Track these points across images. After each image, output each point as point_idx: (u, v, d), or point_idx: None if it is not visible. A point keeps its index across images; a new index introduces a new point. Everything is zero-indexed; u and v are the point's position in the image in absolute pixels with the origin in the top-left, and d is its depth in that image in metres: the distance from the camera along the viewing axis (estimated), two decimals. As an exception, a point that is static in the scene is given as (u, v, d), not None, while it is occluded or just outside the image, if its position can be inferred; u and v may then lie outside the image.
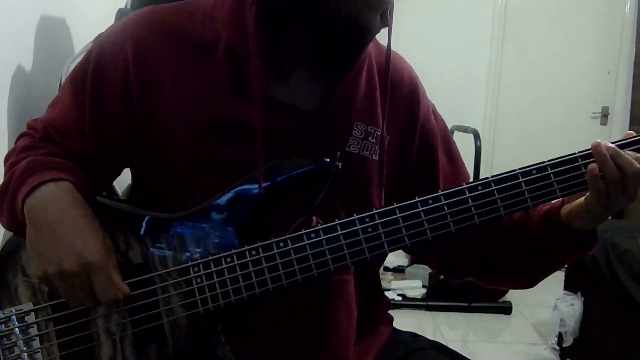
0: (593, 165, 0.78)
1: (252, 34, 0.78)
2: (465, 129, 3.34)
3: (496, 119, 4.12)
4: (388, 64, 0.87)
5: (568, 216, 0.85)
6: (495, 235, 0.92)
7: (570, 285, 2.58)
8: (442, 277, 3.15)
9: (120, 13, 1.51)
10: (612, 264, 2.21)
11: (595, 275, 2.34)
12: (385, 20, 0.82)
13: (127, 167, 0.93)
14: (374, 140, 0.88)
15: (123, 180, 1.02)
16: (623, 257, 2.18)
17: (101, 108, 0.83)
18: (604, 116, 4.07)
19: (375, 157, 0.89)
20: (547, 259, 0.91)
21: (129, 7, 1.55)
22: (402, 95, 0.92)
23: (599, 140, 0.79)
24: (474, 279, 1.00)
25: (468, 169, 1.01)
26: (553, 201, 0.83)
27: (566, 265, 2.65)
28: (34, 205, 0.78)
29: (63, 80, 1.39)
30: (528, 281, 0.95)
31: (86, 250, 0.75)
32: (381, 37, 0.88)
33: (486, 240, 0.92)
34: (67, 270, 0.75)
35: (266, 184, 0.80)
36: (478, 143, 3.17)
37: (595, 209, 0.80)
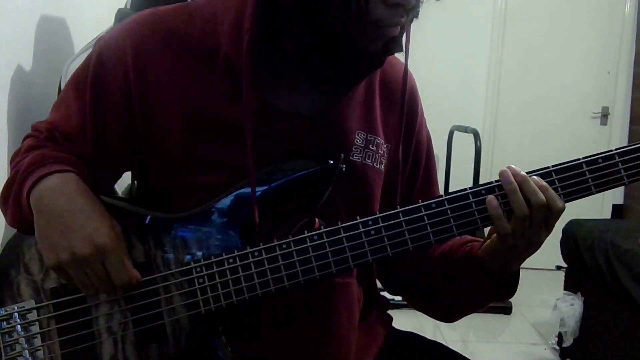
0: (491, 197, 0.77)
1: (244, 56, 0.77)
2: (465, 129, 3.34)
3: (496, 119, 4.12)
4: (405, 82, 0.87)
5: (481, 252, 0.84)
6: (427, 263, 0.93)
7: (570, 285, 2.58)
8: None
9: (120, 13, 1.51)
10: (612, 264, 2.21)
11: (595, 275, 2.34)
12: (395, 46, 0.79)
13: (128, 170, 0.93)
14: (374, 149, 0.88)
15: (123, 181, 1.02)
16: (623, 257, 2.17)
17: (101, 111, 0.83)
18: (604, 116, 4.07)
19: (377, 165, 0.89)
20: (465, 297, 0.90)
21: (128, 7, 1.55)
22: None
23: (506, 167, 0.78)
24: (408, 303, 1.01)
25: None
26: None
27: (566, 269, 2.65)
28: (41, 195, 0.77)
29: (63, 80, 1.39)
30: (447, 316, 0.96)
31: (97, 234, 0.75)
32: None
33: (418, 265, 0.93)
34: (80, 255, 0.74)
35: (267, 186, 0.81)
36: (478, 143, 3.16)
37: (500, 248, 0.80)
